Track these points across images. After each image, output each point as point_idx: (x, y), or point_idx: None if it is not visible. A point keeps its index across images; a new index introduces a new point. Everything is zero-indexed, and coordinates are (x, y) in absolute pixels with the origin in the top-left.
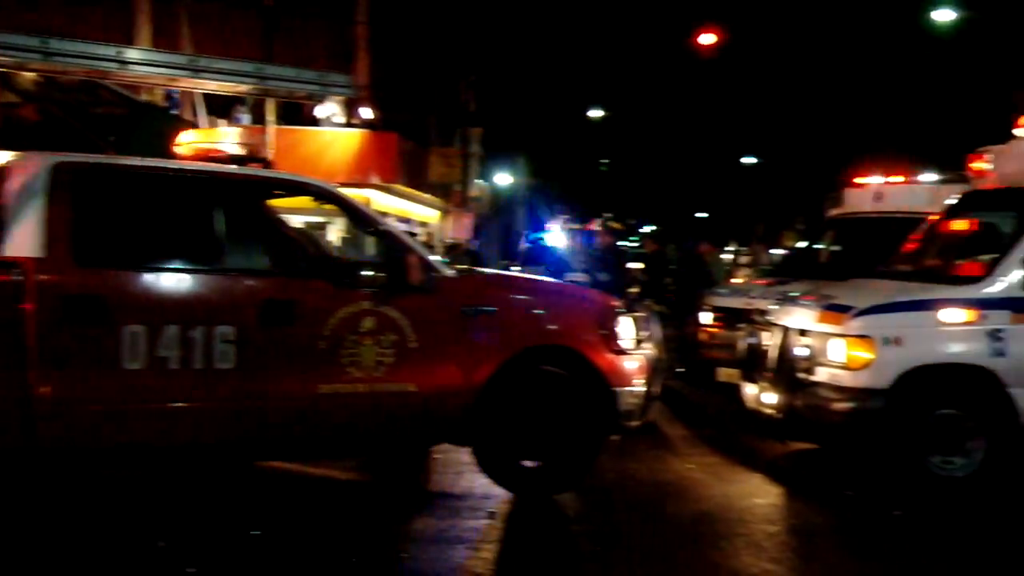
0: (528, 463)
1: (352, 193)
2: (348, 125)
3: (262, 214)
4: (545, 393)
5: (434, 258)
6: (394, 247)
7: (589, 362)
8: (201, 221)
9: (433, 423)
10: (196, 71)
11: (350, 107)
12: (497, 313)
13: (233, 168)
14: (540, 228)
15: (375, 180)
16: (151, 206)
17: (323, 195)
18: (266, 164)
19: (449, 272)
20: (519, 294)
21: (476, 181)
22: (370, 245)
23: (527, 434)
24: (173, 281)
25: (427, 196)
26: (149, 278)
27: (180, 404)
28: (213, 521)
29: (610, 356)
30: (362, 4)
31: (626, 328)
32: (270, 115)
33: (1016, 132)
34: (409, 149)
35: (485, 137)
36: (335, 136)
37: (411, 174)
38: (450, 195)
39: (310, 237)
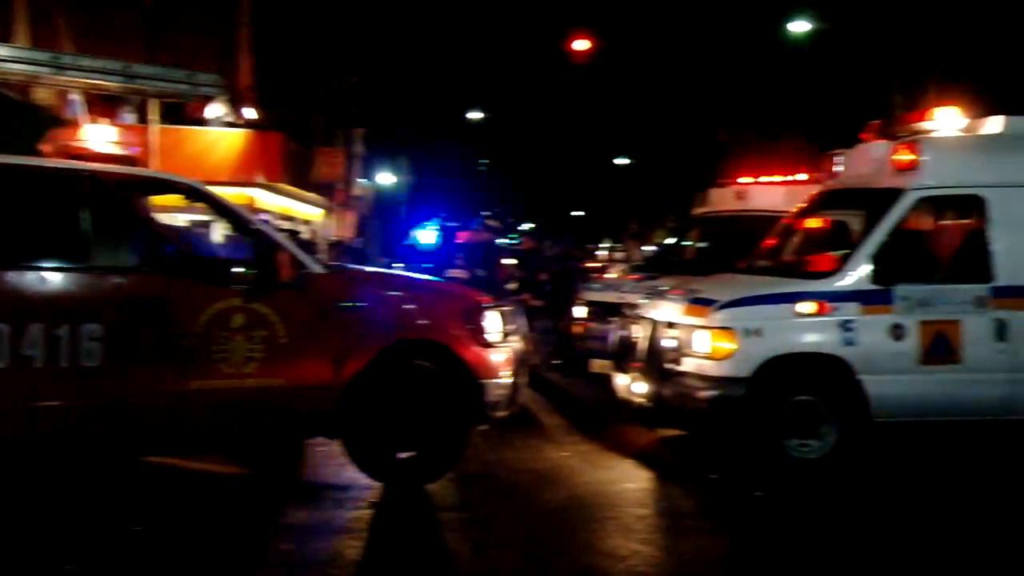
0: (399, 454)
1: (237, 192)
2: (233, 125)
3: (129, 212)
4: (414, 386)
5: (304, 255)
6: (264, 245)
7: (457, 356)
8: (65, 218)
9: (304, 417)
10: (60, 68)
11: (237, 107)
12: (366, 309)
13: (97, 166)
14: (421, 226)
15: (260, 179)
16: (13, 204)
17: (192, 193)
18: (135, 163)
19: (319, 269)
20: (388, 290)
21: (359, 180)
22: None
23: (397, 426)
24: (37, 279)
25: (311, 195)
26: (12, 276)
27: (47, 403)
28: (93, 517)
29: (477, 349)
30: (245, 7)
31: (493, 323)
32: (152, 114)
33: (863, 137)
34: (293, 149)
35: (368, 137)
36: (220, 135)
37: (295, 173)
38: (334, 194)
39: (182, 235)
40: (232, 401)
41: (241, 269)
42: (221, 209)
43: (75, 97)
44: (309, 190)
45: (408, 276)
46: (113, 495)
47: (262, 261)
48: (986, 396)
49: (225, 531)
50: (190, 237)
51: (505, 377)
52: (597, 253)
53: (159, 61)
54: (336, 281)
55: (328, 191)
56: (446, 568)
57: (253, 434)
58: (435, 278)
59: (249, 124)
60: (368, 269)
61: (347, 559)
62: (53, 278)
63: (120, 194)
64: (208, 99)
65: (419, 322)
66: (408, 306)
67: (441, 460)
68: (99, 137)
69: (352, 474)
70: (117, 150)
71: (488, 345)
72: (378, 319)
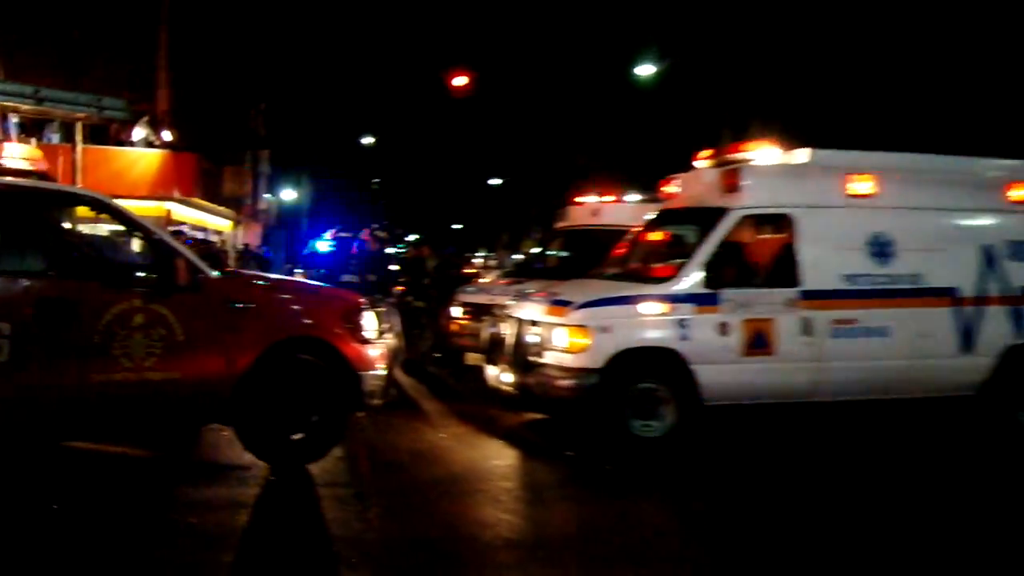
0: (286, 437)
1: (156, 205)
2: (153, 145)
3: (39, 222)
4: (300, 377)
5: (200, 262)
6: (164, 252)
7: (337, 350)
8: None
9: (199, 406)
10: None
11: (157, 130)
12: (256, 309)
13: (8, 180)
14: (319, 236)
15: (176, 194)
16: None
17: (97, 205)
18: (45, 178)
19: (214, 273)
20: (277, 293)
21: (264, 195)
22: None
23: (285, 412)
24: None
25: (222, 208)
26: None
27: None
28: (14, 497)
29: (355, 345)
30: (163, 43)
31: (369, 322)
32: (78, 136)
33: (696, 163)
34: (206, 167)
35: (273, 158)
36: (141, 155)
37: (207, 189)
38: (242, 208)
39: (91, 242)
40: (132, 393)
41: (142, 273)
42: (124, 219)
43: (13, 119)
44: (219, 204)
45: (295, 280)
46: (35, 478)
47: (161, 267)
48: (796, 382)
49: (135, 507)
50: (99, 245)
51: (380, 369)
52: (473, 261)
53: (85, 89)
54: (229, 285)
55: (236, 205)
56: (334, 535)
57: (153, 422)
58: (323, 283)
59: (166, 145)
60: (259, 274)
61: (247, 529)
62: None
63: (30, 205)
64: (113, 121)
65: (304, 321)
66: (294, 307)
67: (324, 442)
68: (14, 155)
69: (251, 456)
70: (28, 166)
71: (365, 341)
72: (267, 319)
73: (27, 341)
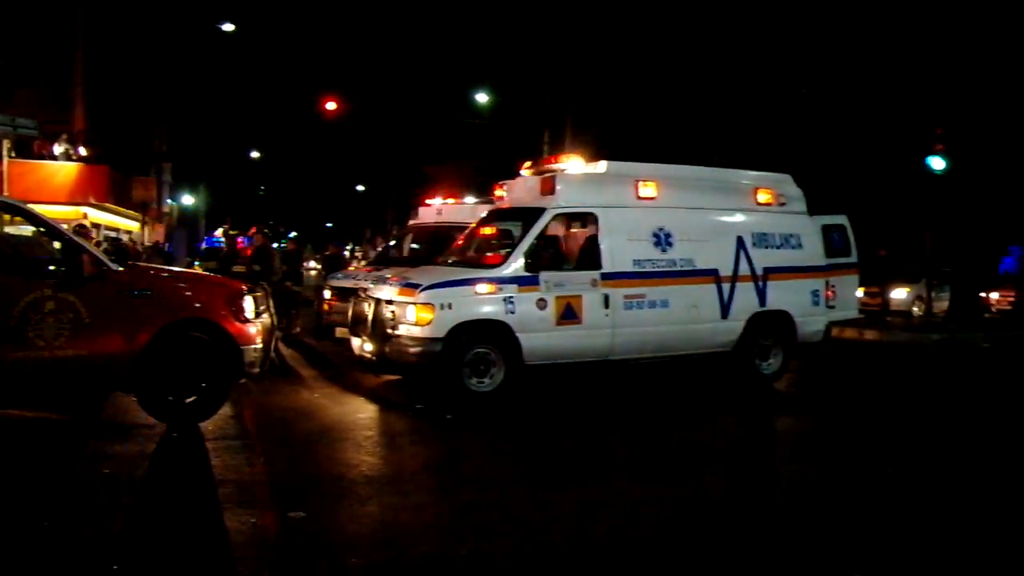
0: (181, 401)
1: (74, 210)
2: (70, 159)
3: None
4: (191, 351)
5: (103, 256)
6: (72, 249)
7: (223, 329)
8: None
9: (105, 378)
10: None
11: (75, 146)
12: (153, 295)
13: None
14: (214, 234)
15: (91, 200)
16: None
17: (12, 210)
18: None
19: (117, 267)
20: (171, 282)
21: (167, 201)
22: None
23: (179, 380)
24: None
25: (131, 212)
26: None
27: None
28: None
29: (237, 324)
30: (78, 71)
31: (249, 305)
32: (4, 151)
33: (521, 172)
34: (117, 178)
35: (174, 169)
36: (60, 167)
37: (118, 196)
38: (148, 211)
39: (8, 242)
40: (46, 368)
41: (54, 267)
42: (37, 222)
43: None
44: (129, 208)
45: (187, 271)
46: None
47: (69, 261)
48: (597, 345)
49: (53, 461)
50: (15, 244)
51: (258, 344)
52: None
53: (11, 112)
54: (130, 275)
55: (143, 209)
56: (224, 479)
57: (66, 391)
58: (214, 273)
59: (82, 159)
60: (157, 266)
61: (150, 476)
62: None
63: None
64: (29, 138)
65: (195, 305)
66: (186, 293)
67: (212, 403)
68: None
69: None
70: None
71: (246, 321)
72: (162, 303)
73: None
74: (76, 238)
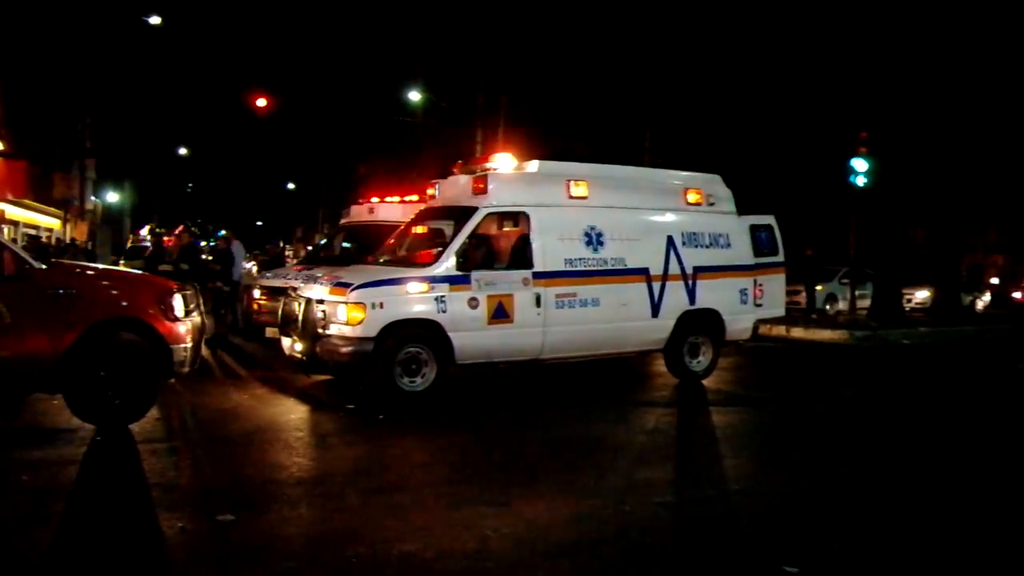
0: (109, 402)
1: None
2: None
3: None
4: (118, 351)
5: (26, 255)
6: None
7: (152, 328)
8: None
9: (26, 379)
10: None
11: None
12: (77, 294)
13: None
14: (140, 232)
15: (9, 196)
16: None
17: None
18: None
19: (40, 265)
20: (97, 280)
21: (91, 198)
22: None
23: (106, 381)
24: None
25: (51, 209)
26: None
27: None
28: None
29: (167, 323)
30: None
31: (179, 303)
32: None
33: (453, 171)
34: (37, 173)
35: (99, 166)
36: None
37: (38, 192)
38: (70, 208)
39: None
40: None
41: None
42: None
43: None
44: (50, 205)
45: (113, 269)
46: None
47: None
48: (529, 344)
49: None
50: None
51: (188, 343)
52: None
53: None
54: (54, 274)
55: (65, 206)
56: (152, 483)
57: None
58: (141, 271)
59: None
60: (82, 264)
61: (76, 481)
62: None
63: None
64: None
65: (123, 304)
66: (113, 292)
67: (141, 405)
68: None
69: (79, 420)
70: None
71: (175, 320)
72: (88, 302)
73: None
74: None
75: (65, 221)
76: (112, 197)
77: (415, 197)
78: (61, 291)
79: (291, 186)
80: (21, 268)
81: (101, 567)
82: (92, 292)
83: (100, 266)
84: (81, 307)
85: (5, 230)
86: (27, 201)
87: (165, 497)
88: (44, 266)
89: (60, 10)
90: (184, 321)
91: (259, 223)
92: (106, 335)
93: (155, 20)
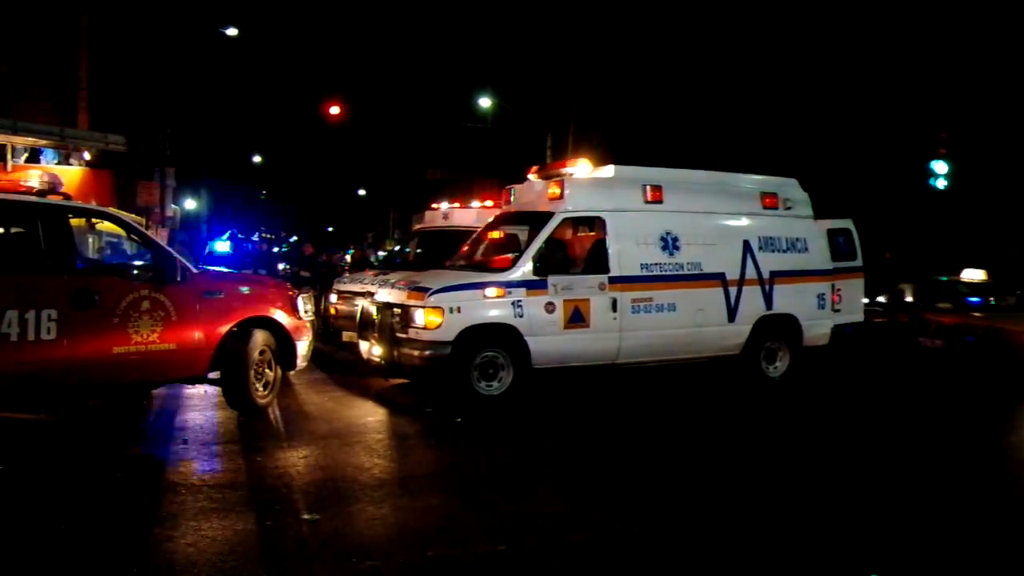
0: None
1: None
2: (67, 163)
3: (68, 231)
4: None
5: (187, 263)
6: (162, 255)
7: (281, 326)
8: (26, 236)
9: (188, 369)
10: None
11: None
12: (225, 296)
13: (36, 198)
14: (218, 238)
15: (95, 205)
16: None
17: (112, 219)
18: (67, 197)
19: (195, 270)
20: (237, 284)
21: (171, 205)
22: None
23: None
24: (10, 281)
25: (135, 216)
26: None
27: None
28: None
29: (293, 322)
30: (83, 77)
31: (301, 305)
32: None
33: (529, 176)
34: (121, 183)
35: (178, 173)
36: (63, 172)
37: (122, 200)
38: (151, 215)
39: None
40: (142, 360)
41: (148, 271)
42: (132, 231)
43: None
44: (133, 213)
45: (247, 274)
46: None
47: (161, 265)
48: (605, 348)
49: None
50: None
51: (309, 339)
52: (346, 257)
53: (14, 117)
54: (206, 278)
55: (147, 213)
56: (240, 480)
57: (157, 381)
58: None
59: (86, 163)
60: (223, 270)
61: (164, 479)
62: (20, 279)
63: (60, 218)
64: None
65: (258, 304)
66: (251, 294)
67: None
68: (33, 179)
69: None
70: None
71: (300, 319)
72: (233, 303)
73: (68, 321)
74: (166, 246)
75: (148, 228)
76: (190, 204)
77: (490, 203)
78: (213, 293)
79: (362, 192)
80: (184, 274)
81: (188, 562)
82: (235, 294)
83: (234, 272)
84: (228, 307)
85: (89, 240)
86: (112, 210)
87: (251, 495)
88: (197, 271)
89: (141, 23)
90: (306, 321)
91: (330, 229)
92: (246, 330)
93: (232, 31)
